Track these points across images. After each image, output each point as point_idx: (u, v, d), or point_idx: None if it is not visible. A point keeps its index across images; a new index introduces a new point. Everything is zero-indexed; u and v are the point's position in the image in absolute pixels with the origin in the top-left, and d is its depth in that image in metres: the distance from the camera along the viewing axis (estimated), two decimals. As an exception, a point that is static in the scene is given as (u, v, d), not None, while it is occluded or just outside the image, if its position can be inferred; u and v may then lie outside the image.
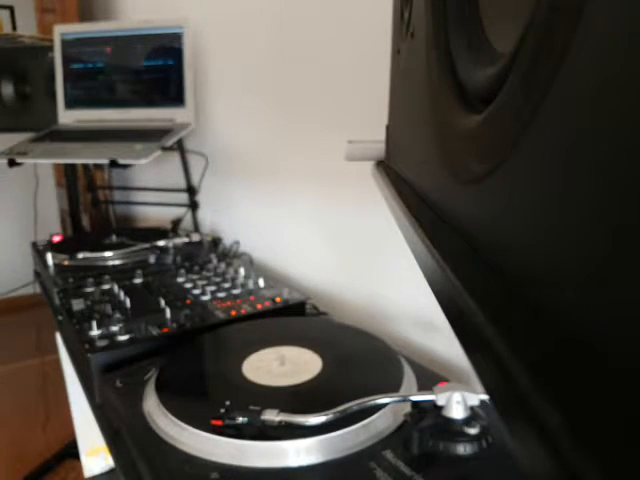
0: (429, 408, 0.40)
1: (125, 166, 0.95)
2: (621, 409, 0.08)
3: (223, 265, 0.82)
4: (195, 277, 0.77)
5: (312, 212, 0.85)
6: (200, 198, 1.14)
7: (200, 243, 0.95)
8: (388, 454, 0.38)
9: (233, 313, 0.63)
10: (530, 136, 0.12)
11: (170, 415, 0.41)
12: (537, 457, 0.09)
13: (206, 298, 0.69)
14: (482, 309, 0.13)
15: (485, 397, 0.39)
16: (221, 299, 0.68)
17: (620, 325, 0.09)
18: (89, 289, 0.73)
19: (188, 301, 0.68)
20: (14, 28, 1.94)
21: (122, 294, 0.70)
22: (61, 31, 1.12)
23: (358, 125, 0.70)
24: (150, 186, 1.32)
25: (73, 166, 1.29)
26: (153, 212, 1.34)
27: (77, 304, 0.66)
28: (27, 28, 1.73)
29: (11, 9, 1.97)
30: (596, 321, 0.09)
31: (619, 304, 0.09)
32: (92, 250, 0.86)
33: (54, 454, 1.19)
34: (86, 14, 1.60)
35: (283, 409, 0.39)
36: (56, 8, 1.56)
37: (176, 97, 1.05)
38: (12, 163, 0.97)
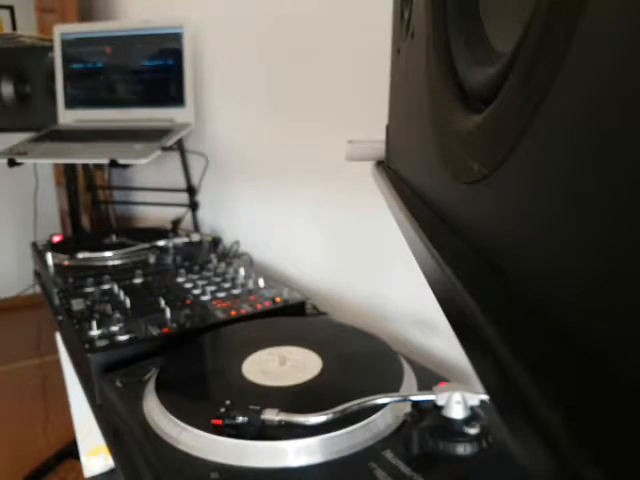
0: (429, 408, 0.40)
1: (125, 166, 0.95)
2: (621, 409, 0.08)
3: (223, 265, 0.82)
4: (195, 277, 0.77)
5: (312, 212, 0.85)
6: (200, 198, 1.14)
7: (200, 243, 0.95)
8: (388, 454, 0.38)
9: (233, 313, 0.63)
10: (530, 136, 0.12)
11: (170, 415, 0.41)
12: (537, 457, 0.09)
13: (206, 298, 0.69)
14: (482, 309, 0.13)
15: (485, 397, 0.39)
16: (221, 299, 0.68)
17: (620, 325, 0.09)
18: (89, 289, 0.73)
19: (188, 301, 0.68)
20: (14, 28, 1.94)
21: (122, 294, 0.70)
22: (61, 31, 1.12)
23: (358, 125, 0.70)
24: (150, 186, 1.32)
25: (73, 166, 1.29)
26: (153, 212, 1.33)
27: (77, 304, 0.66)
28: (27, 28, 1.73)
29: (11, 9, 1.97)
30: (596, 321, 0.09)
31: (619, 305, 0.09)
32: (92, 250, 0.86)
33: (54, 454, 1.18)
34: (86, 14, 1.59)
35: (283, 409, 0.39)
36: (56, 8, 1.56)
37: (176, 97, 1.05)
38: (12, 163, 0.97)
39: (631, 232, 0.08)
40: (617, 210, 0.09)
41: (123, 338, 0.56)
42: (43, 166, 1.89)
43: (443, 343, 0.61)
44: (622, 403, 0.08)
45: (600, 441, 0.08)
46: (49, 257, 0.84)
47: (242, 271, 0.78)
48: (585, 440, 0.08)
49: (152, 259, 0.86)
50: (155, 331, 0.58)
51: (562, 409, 0.09)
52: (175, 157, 1.13)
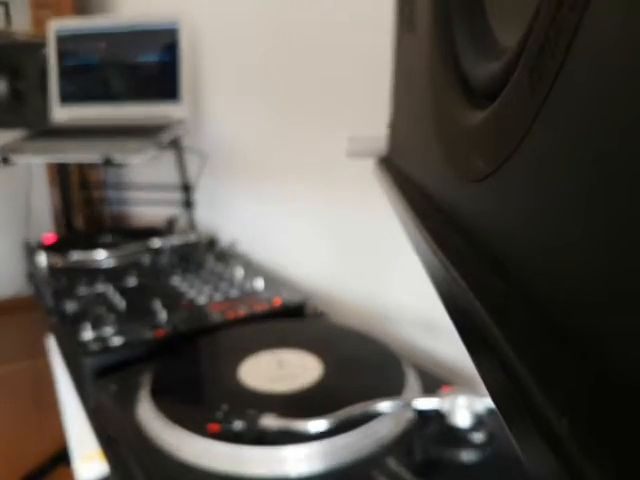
0: (433, 413, 0.39)
1: (119, 164, 0.93)
2: (628, 411, 0.08)
3: (220, 266, 0.81)
4: (191, 278, 0.76)
5: (312, 211, 0.84)
6: (197, 196, 1.13)
7: (196, 243, 0.94)
8: (390, 461, 0.37)
9: (230, 315, 0.62)
10: (535, 133, 0.12)
11: (165, 420, 0.40)
12: (542, 461, 0.09)
13: (203, 300, 0.68)
14: (487, 310, 0.13)
15: (490, 401, 0.38)
16: (218, 301, 0.67)
17: (624, 325, 0.08)
18: (83, 290, 0.72)
19: (184, 303, 0.67)
20: (9, 24, 1.93)
21: (117, 296, 0.69)
22: (55, 27, 1.11)
23: (359, 122, 0.69)
24: (145, 184, 1.31)
25: (66, 164, 1.27)
26: (148, 211, 1.32)
27: (70, 306, 0.65)
28: (22, 24, 1.71)
29: (5, 5, 1.95)
30: (601, 322, 0.09)
31: (623, 304, 0.08)
32: (86, 250, 0.85)
33: (48, 459, 1.17)
34: (81, 9, 1.58)
35: (282, 414, 0.38)
36: (51, 3, 1.55)
37: (172, 93, 1.04)
38: (6, 162, 0.96)
39: (635, 232, 0.08)
40: (624, 209, 0.08)
41: (118, 341, 0.55)
42: (36, 164, 1.87)
43: (446, 345, 0.60)
44: (628, 404, 0.08)
45: (607, 444, 0.08)
46: (42, 258, 0.83)
47: (240, 272, 0.76)
48: (592, 444, 0.08)
49: (147, 260, 0.85)
50: (150, 334, 0.57)
51: (568, 411, 0.09)
52: (171, 154, 1.11)
